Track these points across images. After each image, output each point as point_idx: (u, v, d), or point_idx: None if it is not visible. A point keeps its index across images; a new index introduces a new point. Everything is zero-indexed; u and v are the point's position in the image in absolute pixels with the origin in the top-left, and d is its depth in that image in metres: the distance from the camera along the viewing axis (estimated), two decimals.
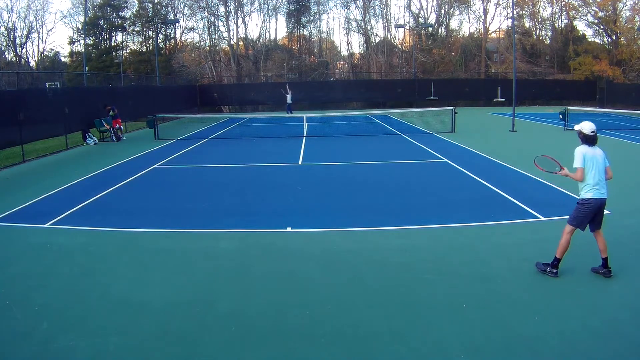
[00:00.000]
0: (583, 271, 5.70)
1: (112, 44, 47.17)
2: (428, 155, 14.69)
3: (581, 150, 5.50)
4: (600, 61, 39.85)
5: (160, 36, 47.11)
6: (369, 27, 48.68)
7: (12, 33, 47.05)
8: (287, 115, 26.79)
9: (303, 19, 48.69)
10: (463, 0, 46.79)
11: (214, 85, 41.01)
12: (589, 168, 5.46)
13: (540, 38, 47.67)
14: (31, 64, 49.00)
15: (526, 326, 4.42)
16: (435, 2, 48.43)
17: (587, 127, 5.55)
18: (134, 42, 48.43)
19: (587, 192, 5.46)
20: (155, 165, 13.57)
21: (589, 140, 5.54)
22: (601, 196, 5.44)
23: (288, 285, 5.45)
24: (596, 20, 44.21)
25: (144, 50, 47.04)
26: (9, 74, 30.82)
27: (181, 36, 49.53)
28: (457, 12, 49.75)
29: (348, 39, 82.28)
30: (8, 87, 25.29)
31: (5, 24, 46.80)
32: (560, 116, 22.72)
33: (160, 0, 46.14)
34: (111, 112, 20.16)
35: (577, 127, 5.66)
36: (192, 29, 55.43)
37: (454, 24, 65.12)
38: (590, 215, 5.45)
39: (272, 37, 50.31)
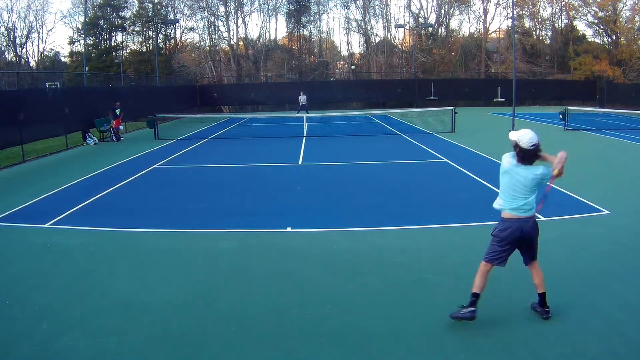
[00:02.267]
0: (582, 271, 5.70)
1: (112, 44, 47.17)
2: (428, 155, 14.69)
3: (506, 163, 4.48)
4: (600, 61, 39.86)
5: (160, 36, 47.13)
6: (369, 27, 48.74)
7: (12, 33, 47.11)
8: (299, 115, 27.16)
9: (303, 19, 48.71)
10: (463, 0, 46.79)
11: (214, 85, 41.01)
12: (514, 185, 4.45)
13: (540, 38, 47.69)
14: (31, 64, 49.04)
15: (526, 326, 4.41)
16: (435, 2, 48.49)
17: (525, 139, 4.33)
18: (134, 42, 48.49)
19: (505, 213, 4.52)
20: (155, 165, 13.57)
21: (527, 156, 4.37)
22: (524, 216, 4.42)
23: (288, 285, 5.45)
24: (596, 20, 44.23)
25: (144, 50, 47.05)
26: (9, 74, 30.83)
27: (181, 36, 49.60)
28: (457, 12, 49.81)
29: (348, 39, 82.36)
30: (8, 87, 25.29)
31: (5, 24, 46.85)
32: (560, 116, 22.72)
33: (160, 0, 46.15)
34: (117, 110, 20.24)
35: (513, 136, 4.45)
36: (192, 29, 55.44)
37: (454, 24, 65.17)
38: (510, 244, 4.46)
39: (272, 37, 50.39)
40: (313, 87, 38.78)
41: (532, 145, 4.32)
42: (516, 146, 4.39)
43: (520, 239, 4.42)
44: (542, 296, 4.57)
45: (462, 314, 4.41)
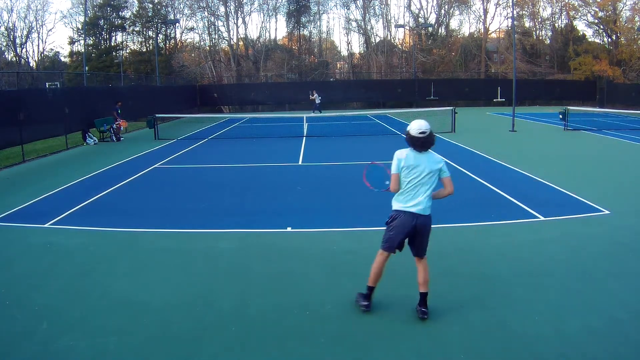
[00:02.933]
0: (582, 271, 5.70)
1: (112, 44, 47.18)
2: None
3: (400, 153, 4.53)
4: (600, 61, 39.87)
5: (160, 36, 47.14)
6: (369, 27, 48.73)
7: (12, 33, 47.11)
8: (317, 114, 27.96)
9: (303, 19, 48.70)
10: (463, 0, 46.80)
11: (214, 85, 41.02)
12: (405, 177, 4.51)
13: (540, 38, 47.69)
14: (31, 64, 49.05)
15: (526, 326, 4.42)
16: (435, 2, 48.50)
17: (415, 126, 4.45)
18: (134, 42, 48.50)
19: (397, 204, 4.63)
20: (155, 165, 13.57)
21: (415, 143, 4.45)
22: (418, 212, 4.49)
23: (288, 285, 5.45)
24: (596, 20, 44.24)
25: (144, 50, 47.05)
26: (9, 74, 30.82)
27: (181, 36, 49.61)
28: (457, 12, 49.84)
29: (348, 39, 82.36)
30: (8, 87, 25.29)
31: (5, 24, 46.86)
32: (560, 116, 22.73)
33: (160, 0, 46.15)
34: (119, 110, 20.29)
35: (408, 127, 4.54)
36: (192, 29, 55.47)
37: (454, 24, 65.24)
38: (403, 232, 4.58)
39: (272, 37, 50.39)
40: (313, 87, 38.74)
41: (420, 133, 4.42)
42: (407, 135, 4.52)
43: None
44: (422, 295, 4.65)
45: (360, 302, 4.77)
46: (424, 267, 4.71)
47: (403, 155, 4.51)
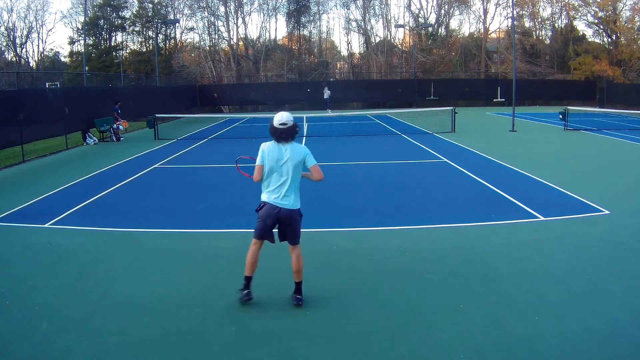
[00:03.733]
0: (582, 271, 5.70)
1: (112, 44, 47.18)
2: (428, 155, 14.69)
3: (264, 145, 4.69)
4: (600, 61, 39.87)
5: (160, 36, 47.10)
6: (369, 27, 48.75)
7: (12, 33, 47.11)
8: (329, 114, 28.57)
9: (303, 19, 48.70)
10: (463, 0, 46.79)
11: (214, 85, 41.01)
12: (268, 168, 4.65)
13: (540, 38, 47.68)
14: (31, 64, 49.04)
15: (526, 326, 4.42)
16: (435, 2, 48.50)
17: (277, 117, 4.61)
18: (134, 42, 48.50)
19: (262, 194, 4.81)
20: (155, 165, 13.57)
21: (275, 133, 4.60)
22: (283, 205, 4.63)
23: (288, 285, 5.44)
24: (596, 20, 44.24)
25: (144, 50, 47.05)
26: (9, 74, 30.80)
27: (181, 36, 49.60)
28: (457, 12, 49.84)
29: (348, 39, 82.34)
30: (8, 87, 25.28)
31: (5, 24, 46.85)
32: (560, 116, 22.73)
33: (160, 0, 46.15)
34: (119, 110, 20.31)
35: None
36: (192, 29, 55.34)
37: (454, 24, 65.21)
38: (269, 223, 4.69)
39: (272, 37, 50.39)
40: (313, 87, 38.79)
41: (280, 124, 4.57)
42: (270, 127, 4.63)
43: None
44: (297, 285, 4.88)
45: (241, 296, 4.83)
46: (296, 256, 4.84)
47: (266, 147, 4.64)
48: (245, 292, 4.87)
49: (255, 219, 4.96)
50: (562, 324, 4.44)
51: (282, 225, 4.75)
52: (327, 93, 31.47)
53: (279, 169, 4.63)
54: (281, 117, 4.59)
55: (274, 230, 4.87)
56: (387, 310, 4.80)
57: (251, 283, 4.90)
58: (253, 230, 4.93)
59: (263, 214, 4.73)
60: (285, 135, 4.60)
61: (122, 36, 47.81)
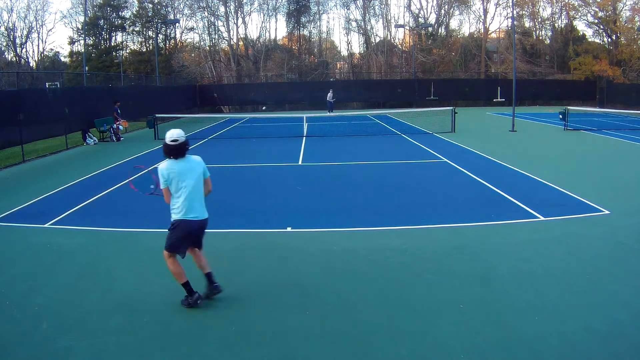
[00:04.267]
0: (582, 271, 5.70)
1: (112, 44, 47.17)
2: (428, 155, 14.69)
3: (162, 166, 4.65)
4: (600, 61, 39.86)
5: (160, 36, 47.10)
6: (369, 27, 48.76)
7: (12, 33, 47.08)
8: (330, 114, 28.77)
9: (303, 19, 48.70)
10: (463, 0, 46.79)
11: (214, 85, 41.01)
12: (174, 187, 4.65)
13: (540, 38, 47.68)
14: (31, 64, 49.02)
15: (526, 326, 4.42)
16: (435, 2, 48.50)
17: (168, 135, 4.62)
18: (134, 42, 48.49)
19: (176, 214, 4.76)
20: (155, 165, 13.55)
21: (172, 151, 4.61)
22: (194, 218, 4.70)
23: (288, 285, 5.45)
24: (596, 20, 44.23)
25: (144, 50, 47.04)
26: (9, 74, 30.81)
27: (181, 36, 49.59)
28: (457, 12, 49.83)
29: (348, 39, 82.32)
30: (8, 87, 25.28)
31: (5, 24, 46.83)
32: (560, 116, 22.73)
33: (160, 0, 46.14)
34: (119, 110, 20.30)
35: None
36: (192, 29, 55.34)
37: (454, 24, 65.17)
38: (185, 238, 4.78)
39: (272, 37, 50.38)
40: (313, 87, 38.81)
41: (172, 141, 4.60)
42: (164, 145, 4.67)
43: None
44: (209, 275, 4.96)
45: (191, 303, 4.79)
46: (199, 255, 5.00)
47: (166, 168, 4.64)
48: (196, 295, 4.82)
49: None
50: (562, 324, 4.44)
51: (196, 235, 4.85)
52: (330, 96, 31.53)
53: (186, 186, 4.66)
54: (172, 135, 4.61)
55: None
56: (387, 310, 4.80)
57: (190, 286, 4.85)
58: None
59: (180, 235, 4.75)
60: (181, 151, 4.64)
61: (122, 36, 47.87)
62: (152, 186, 5.09)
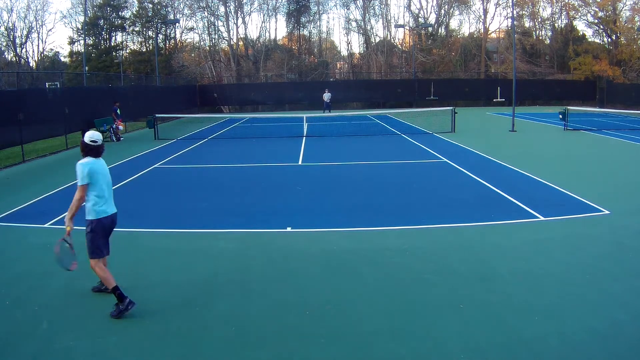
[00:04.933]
0: (582, 272, 5.70)
1: (112, 44, 47.15)
2: (428, 155, 14.69)
3: (84, 164, 4.89)
4: (600, 61, 39.85)
5: (160, 36, 47.07)
6: (368, 27, 48.74)
7: (12, 33, 47.07)
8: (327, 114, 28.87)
9: (303, 19, 48.69)
10: (463, 0, 46.79)
11: (214, 85, 41.01)
12: (96, 183, 4.88)
13: (540, 38, 47.67)
14: (31, 64, 49.01)
15: (526, 326, 4.42)
16: (435, 2, 48.49)
17: (88, 135, 4.92)
18: (133, 42, 48.46)
19: (95, 212, 4.87)
20: (155, 165, 13.57)
21: (92, 150, 4.93)
22: (112, 212, 4.97)
23: (288, 285, 5.45)
24: (596, 20, 44.22)
25: (144, 50, 47.02)
26: (9, 74, 30.82)
27: (181, 36, 49.56)
28: (457, 12, 49.79)
29: (348, 39, 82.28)
30: (8, 87, 25.28)
31: (5, 24, 46.82)
32: (560, 116, 22.74)
33: (160, 0, 46.14)
34: (118, 110, 20.30)
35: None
36: (192, 29, 55.31)
37: (453, 24, 65.12)
38: (106, 236, 4.95)
39: (272, 37, 50.35)
40: (313, 87, 38.79)
41: (92, 141, 4.90)
42: (81, 144, 4.92)
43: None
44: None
45: (122, 310, 4.68)
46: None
47: (88, 165, 4.86)
48: (127, 300, 4.71)
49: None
50: (562, 324, 4.44)
51: (111, 230, 5.04)
52: (327, 96, 31.52)
53: (107, 183, 5.00)
54: (91, 135, 4.93)
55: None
56: (387, 310, 4.80)
57: (121, 290, 4.76)
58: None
59: (102, 232, 4.88)
60: (101, 151, 4.99)
61: (122, 36, 47.84)
62: (73, 260, 5.05)
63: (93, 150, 4.92)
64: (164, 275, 5.78)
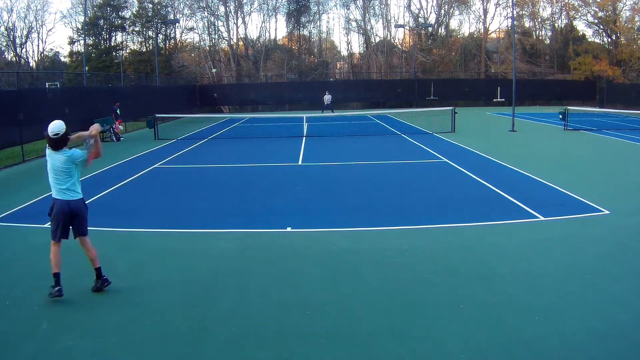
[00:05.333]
0: (582, 272, 5.70)
1: (112, 44, 47.13)
2: (428, 155, 14.69)
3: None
4: (600, 61, 39.84)
5: (160, 36, 47.06)
6: (368, 27, 48.73)
7: (12, 33, 47.05)
8: (323, 114, 28.82)
9: (303, 19, 48.68)
10: (463, 0, 46.78)
11: (214, 85, 41.01)
12: (49, 171, 5.26)
13: (540, 38, 47.66)
14: (31, 64, 48.98)
15: (526, 326, 4.42)
16: (435, 2, 48.46)
17: (50, 127, 5.11)
18: (133, 42, 48.43)
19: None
20: (155, 165, 13.57)
21: (49, 143, 5.16)
22: (64, 197, 5.19)
23: (288, 285, 5.45)
24: (596, 20, 44.21)
25: (144, 50, 47.00)
26: (9, 74, 30.80)
27: (181, 36, 49.53)
28: (457, 12, 49.75)
29: (348, 39, 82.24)
30: (8, 87, 25.27)
31: (5, 24, 46.79)
32: (560, 116, 22.73)
33: (160, 0, 46.13)
34: (118, 110, 20.29)
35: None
36: (192, 29, 55.16)
37: (453, 24, 65.00)
38: (61, 220, 5.17)
39: (272, 37, 50.34)
40: (313, 87, 38.78)
41: (54, 135, 5.03)
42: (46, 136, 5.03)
43: (70, 216, 5.16)
44: (98, 270, 5.28)
45: (54, 294, 4.98)
46: (88, 246, 5.34)
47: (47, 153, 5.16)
48: (58, 287, 5.02)
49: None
50: (562, 324, 4.44)
51: (75, 219, 5.22)
52: (327, 98, 31.56)
53: (62, 171, 5.20)
54: (53, 128, 5.03)
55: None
56: (387, 310, 4.80)
57: (60, 279, 5.06)
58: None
59: (57, 213, 5.16)
60: (58, 144, 5.11)
61: (122, 36, 47.80)
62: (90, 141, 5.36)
63: (49, 143, 5.12)
64: (164, 275, 5.78)
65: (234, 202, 9.32)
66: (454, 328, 4.41)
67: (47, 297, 5.02)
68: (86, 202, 5.58)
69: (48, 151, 5.19)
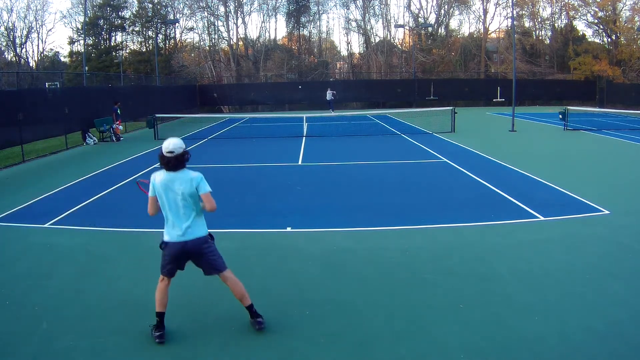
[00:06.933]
0: (582, 271, 5.70)
1: (112, 44, 47.14)
2: (428, 155, 14.69)
3: (153, 176, 4.24)
4: (600, 61, 39.83)
5: (160, 36, 47.08)
6: (368, 27, 48.72)
7: (12, 33, 47.05)
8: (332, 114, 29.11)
9: (303, 19, 48.68)
10: (463, 0, 46.78)
11: (213, 85, 41.01)
12: (162, 201, 4.20)
13: (540, 38, 47.63)
14: (31, 64, 48.98)
15: (526, 326, 4.42)
16: (435, 2, 48.46)
17: (165, 144, 4.15)
18: (133, 42, 48.44)
19: (165, 233, 4.26)
20: (155, 165, 13.56)
21: (162, 162, 4.13)
22: (178, 239, 4.16)
23: (288, 285, 5.45)
24: (596, 20, 44.20)
25: (144, 50, 47.01)
26: (8, 74, 30.79)
27: (181, 36, 49.55)
28: (456, 12, 49.77)
29: (348, 39, 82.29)
30: (8, 87, 25.26)
31: (5, 24, 46.80)
32: (560, 116, 22.73)
33: (160, 0, 46.13)
34: (118, 110, 20.29)
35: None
36: (192, 29, 55.37)
37: (453, 24, 65.17)
38: (173, 260, 4.25)
39: (272, 37, 50.35)
40: (313, 87, 38.79)
41: (168, 152, 4.10)
42: (160, 155, 4.17)
43: (187, 258, 4.32)
44: (248, 309, 4.44)
45: (154, 338, 4.25)
46: (231, 282, 4.43)
47: (156, 178, 4.19)
48: (158, 333, 4.28)
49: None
50: (562, 324, 4.44)
51: (194, 258, 4.32)
52: (329, 95, 31.70)
53: (173, 201, 4.17)
54: (168, 145, 4.11)
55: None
56: (387, 310, 4.80)
57: (164, 321, 4.35)
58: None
59: (167, 254, 4.24)
60: (172, 164, 4.12)
61: (122, 36, 47.82)
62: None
63: (162, 162, 4.16)
64: None
65: (234, 202, 9.32)
66: (454, 328, 4.41)
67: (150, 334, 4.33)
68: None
69: (160, 177, 4.18)
